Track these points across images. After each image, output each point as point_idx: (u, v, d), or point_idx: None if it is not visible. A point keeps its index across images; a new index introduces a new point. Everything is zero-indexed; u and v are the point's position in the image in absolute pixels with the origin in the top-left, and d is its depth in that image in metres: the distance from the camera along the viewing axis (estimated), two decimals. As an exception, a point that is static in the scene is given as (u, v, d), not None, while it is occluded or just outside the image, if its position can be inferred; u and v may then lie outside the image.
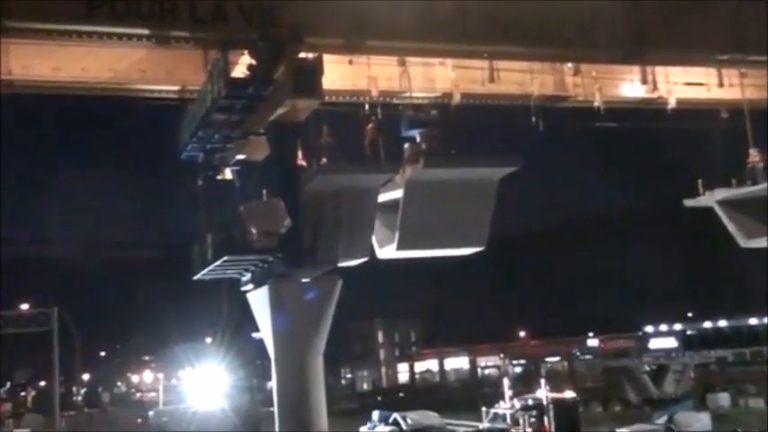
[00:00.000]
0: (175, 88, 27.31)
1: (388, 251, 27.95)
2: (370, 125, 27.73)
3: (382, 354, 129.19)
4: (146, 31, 24.59)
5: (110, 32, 24.36)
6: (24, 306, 60.04)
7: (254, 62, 24.02)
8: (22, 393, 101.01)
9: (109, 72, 25.99)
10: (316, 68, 23.63)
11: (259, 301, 27.34)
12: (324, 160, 26.69)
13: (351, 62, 27.56)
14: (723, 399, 60.32)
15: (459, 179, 27.12)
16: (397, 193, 27.20)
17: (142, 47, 25.47)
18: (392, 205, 27.41)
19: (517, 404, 47.28)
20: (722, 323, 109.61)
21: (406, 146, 27.71)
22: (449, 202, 26.98)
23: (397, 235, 27.21)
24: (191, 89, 26.84)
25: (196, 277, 28.31)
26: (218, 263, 26.37)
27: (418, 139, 27.64)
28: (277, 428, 27.14)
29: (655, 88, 32.08)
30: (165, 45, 25.40)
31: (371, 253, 28.17)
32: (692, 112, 33.32)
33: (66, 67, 25.50)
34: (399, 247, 27.40)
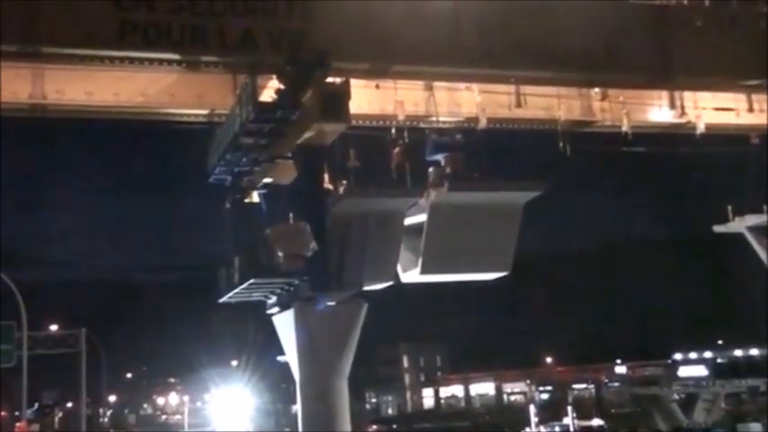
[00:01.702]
0: (204, 112, 27.64)
1: (411, 275, 27.83)
2: (397, 149, 27.78)
3: (407, 378, 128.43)
4: (176, 56, 24.96)
5: (141, 57, 24.79)
6: (53, 327, 60.54)
7: (282, 86, 24.26)
8: (50, 414, 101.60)
9: (140, 96, 26.40)
10: (343, 93, 23.83)
11: (285, 324, 27.35)
12: (345, 183, 26.70)
13: (378, 87, 27.72)
14: (755, 429, 59.19)
15: (484, 203, 27.01)
16: (422, 217, 27.14)
17: (173, 72, 25.85)
18: (416, 229, 27.35)
19: (544, 431, 46.72)
20: (754, 351, 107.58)
21: (431, 169, 27.71)
22: (473, 226, 26.84)
23: (420, 259, 27.11)
24: (219, 113, 27.15)
25: (222, 300, 28.44)
26: (244, 286, 26.48)
27: (443, 163, 27.63)
28: (301, 452, 27.04)
29: (683, 113, 31.87)
30: (194, 70, 25.77)
31: (397, 277, 28.11)
32: (721, 138, 33.05)
33: (98, 91, 25.92)
34: (423, 272, 27.27)
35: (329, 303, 26.38)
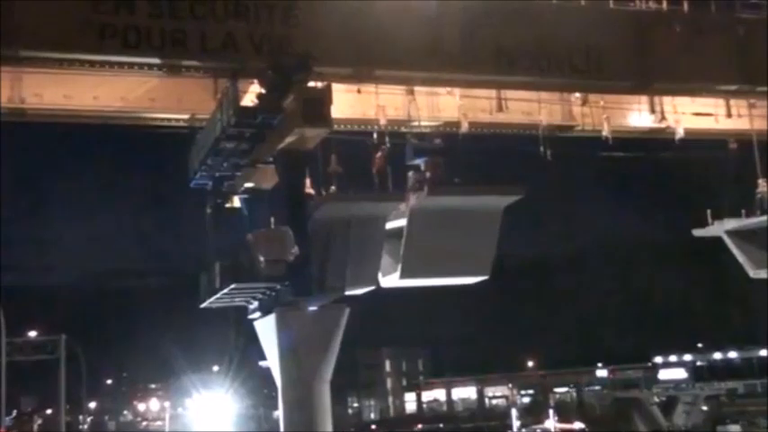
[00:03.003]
0: (185, 117, 27.51)
1: (391, 279, 27.80)
2: (380, 154, 27.74)
3: (389, 383, 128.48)
4: (157, 61, 24.84)
5: (121, 62, 24.64)
6: (32, 333, 59.91)
7: (263, 91, 24.19)
8: (29, 422, 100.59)
9: (120, 101, 26.22)
10: (325, 97, 23.78)
11: (266, 329, 27.25)
12: (332, 188, 26.68)
13: (359, 91, 27.72)
14: (734, 431, 59.67)
15: (463, 207, 27.03)
16: (402, 222, 27.14)
17: (153, 76, 25.72)
18: (396, 234, 27.34)
19: (525, 435, 46.80)
20: (732, 354, 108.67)
21: (410, 174, 27.72)
22: (453, 230, 26.85)
23: (400, 264, 27.08)
24: (200, 117, 27.03)
25: (203, 305, 28.26)
26: (225, 291, 26.34)
27: (422, 168, 27.64)
28: (283, 458, 26.92)
29: (663, 118, 32.11)
30: (175, 74, 25.64)
31: (378, 281, 28.06)
32: (701, 142, 33.33)
33: (77, 95, 25.72)
34: (403, 276, 27.23)
35: (311, 308, 26.35)
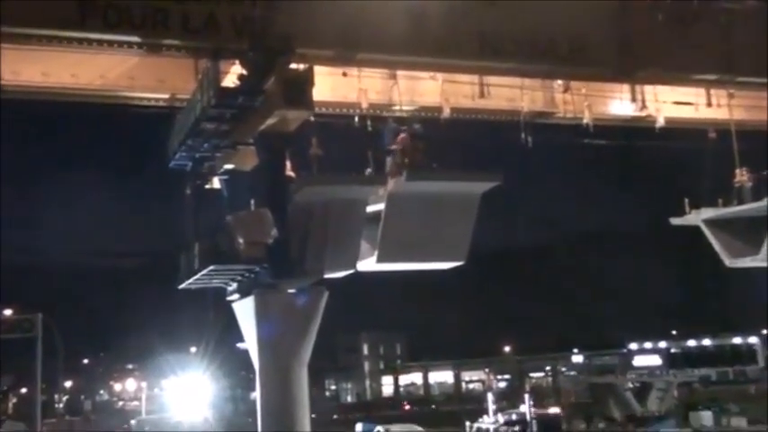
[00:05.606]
0: (165, 96, 27.29)
1: (368, 263, 27.79)
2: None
3: (367, 366, 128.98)
4: (137, 39, 24.60)
5: (101, 39, 24.38)
6: (7, 312, 59.46)
7: (244, 72, 24.04)
8: (5, 400, 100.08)
9: (99, 79, 25.96)
10: (306, 80, 23.68)
11: (245, 311, 27.21)
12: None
13: (345, 74, 27.59)
14: (706, 417, 60.48)
15: (441, 193, 26.97)
16: (379, 206, 27.11)
17: (133, 54, 25.48)
18: (373, 218, 27.31)
19: (501, 419, 47.32)
20: (706, 342, 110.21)
21: (389, 158, 27.63)
22: (430, 215, 26.81)
23: (377, 248, 27.09)
24: (181, 98, 26.83)
25: (182, 286, 28.18)
26: (204, 272, 26.27)
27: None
28: (260, 439, 26.98)
29: (644, 107, 32.28)
30: (156, 53, 25.41)
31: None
32: (681, 131, 33.55)
33: (56, 73, 25.43)
34: (379, 260, 27.18)
35: (290, 291, 26.32)
